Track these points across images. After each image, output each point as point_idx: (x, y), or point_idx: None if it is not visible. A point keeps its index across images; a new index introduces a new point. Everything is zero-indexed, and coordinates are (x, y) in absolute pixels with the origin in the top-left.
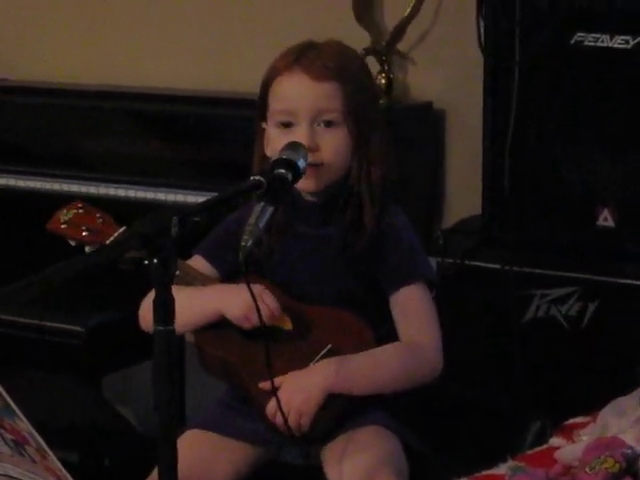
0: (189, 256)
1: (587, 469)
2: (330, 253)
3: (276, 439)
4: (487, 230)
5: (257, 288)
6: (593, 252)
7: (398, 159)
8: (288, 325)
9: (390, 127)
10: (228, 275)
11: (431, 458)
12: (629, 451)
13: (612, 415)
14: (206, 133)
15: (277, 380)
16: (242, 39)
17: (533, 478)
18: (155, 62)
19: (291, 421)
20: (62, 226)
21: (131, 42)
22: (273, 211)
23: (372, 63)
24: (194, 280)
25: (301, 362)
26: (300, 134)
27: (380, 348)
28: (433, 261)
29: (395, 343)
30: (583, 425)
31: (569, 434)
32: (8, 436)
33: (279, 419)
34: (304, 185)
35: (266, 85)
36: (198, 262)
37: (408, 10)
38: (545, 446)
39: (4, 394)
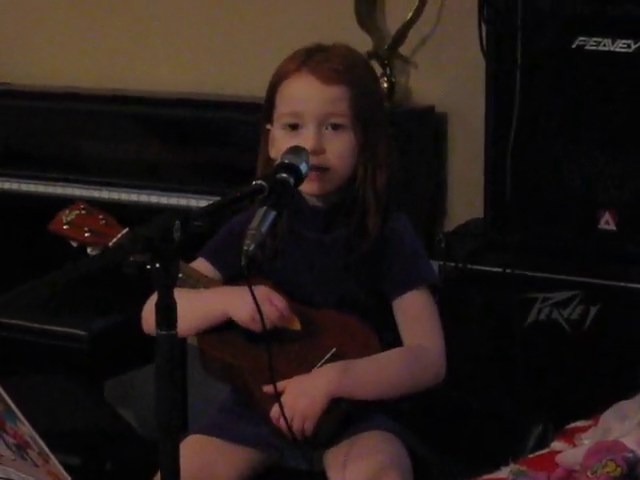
0: (193, 259)
1: (589, 473)
2: (333, 258)
3: (279, 443)
4: (489, 233)
5: (263, 290)
6: (595, 255)
7: (400, 163)
8: (296, 325)
9: (392, 131)
10: (231, 278)
11: (434, 463)
12: (630, 455)
13: (614, 419)
14: (208, 137)
15: (281, 384)
16: (244, 43)
17: None
18: (156, 66)
19: (295, 425)
20: (64, 227)
21: (132, 46)
22: (275, 215)
23: (374, 67)
24: (197, 283)
25: (305, 366)
26: (307, 137)
27: (384, 353)
28: (435, 264)
29: (399, 348)
30: (585, 429)
31: (571, 438)
32: (10, 440)
33: (283, 423)
34: (309, 189)
35: (273, 87)
36: (201, 265)
37: (410, 14)
38: (547, 450)
39: (6, 398)
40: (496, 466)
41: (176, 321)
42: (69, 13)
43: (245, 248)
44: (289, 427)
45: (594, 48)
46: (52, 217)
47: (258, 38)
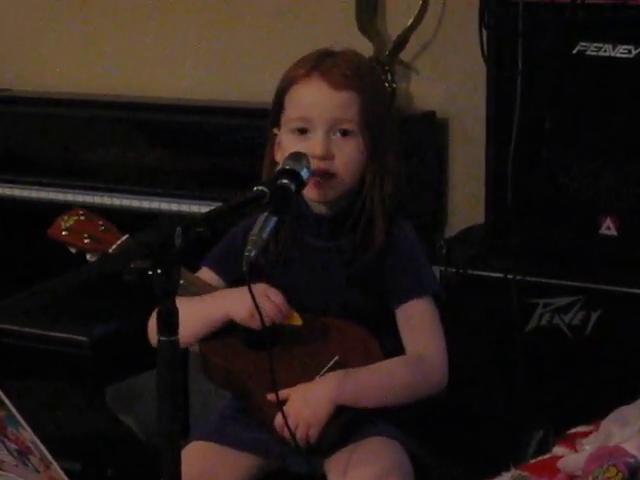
0: (195, 266)
1: (590, 478)
2: (337, 265)
3: (280, 449)
4: (490, 239)
5: (260, 286)
6: (596, 261)
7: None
8: (298, 321)
9: (399, 136)
10: (235, 285)
11: (435, 468)
12: (632, 460)
13: (615, 424)
14: (209, 142)
15: (284, 392)
16: (245, 49)
17: None
18: (156, 72)
19: (299, 433)
20: (63, 233)
21: (132, 52)
22: (277, 221)
23: None
24: (199, 290)
25: (308, 374)
26: (315, 142)
27: (386, 361)
28: (436, 270)
29: (401, 356)
30: (586, 434)
31: (572, 443)
32: (12, 445)
33: (287, 431)
34: (315, 195)
35: (282, 91)
36: (206, 274)
37: (411, 20)
38: (548, 455)
39: (8, 404)
40: (497, 471)
41: (177, 327)
42: (70, 20)
43: (246, 254)
44: (293, 435)
45: (595, 53)
46: (52, 222)
47: (259, 44)
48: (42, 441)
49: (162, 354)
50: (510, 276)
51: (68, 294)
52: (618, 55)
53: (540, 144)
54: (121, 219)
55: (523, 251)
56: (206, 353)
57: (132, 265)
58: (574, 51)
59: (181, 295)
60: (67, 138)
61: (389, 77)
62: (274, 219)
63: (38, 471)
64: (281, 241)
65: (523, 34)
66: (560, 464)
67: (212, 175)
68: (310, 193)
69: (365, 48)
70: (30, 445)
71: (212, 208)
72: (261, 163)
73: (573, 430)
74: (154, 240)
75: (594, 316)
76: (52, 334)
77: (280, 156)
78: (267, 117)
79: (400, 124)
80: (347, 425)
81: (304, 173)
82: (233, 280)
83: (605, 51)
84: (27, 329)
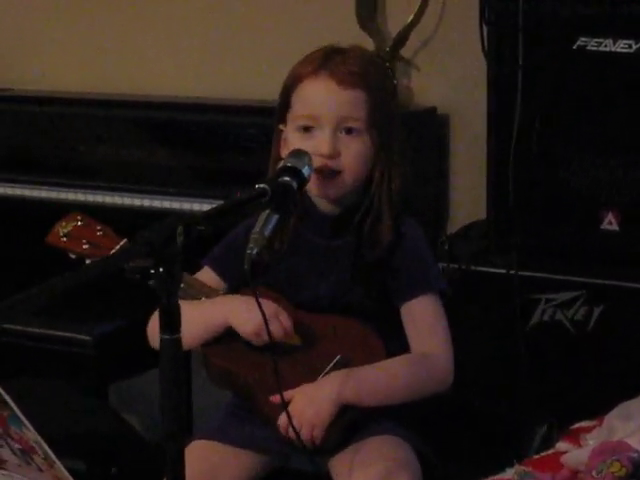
0: (197, 265)
1: (594, 473)
2: (342, 264)
3: (284, 447)
4: (492, 235)
5: (272, 306)
6: (598, 256)
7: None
8: (297, 341)
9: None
10: (237, 285)
11: (441, 466)
12: (635, 455)
13: (618, 419)
14: (210, 140)
15: (288, 393)
16: (246, 46)
17: None
18: (159, 70)
19: (304, 434)
20: (62, 239)
21: (134, 51)
22: (279, 219)
23: None
24: (199, 293)
25: (311, 373)
26: (322, 140)
27: (391, 360)
28: (439, 266)
29: (406, 355)
30: (589, 429)
31: (575, 438)
32: (15, 445)
33: (292, 432)
34: (321, 193)
35: (289, 88)
36: (206, 274)
37: (411, 16)
38: (552, 450)
39: (11, 403)
40: (501, 467)
41: (180, 325)
42: (72, 18)
43: (248, 252)
44: (298, 436)
45: (595, 49)
46: (54, 222)
47: (260, 42)
48: (45, 440)
49: (165, 352)
50: (512, 272)
51: (70, 293)
52: (619, 50)
53: (541, 139)
54: (123, 218)
55: (525, 247)
56: (207, 355)
57: (134, 263)
58: (575, 46)
59: (180, 298)
60: (69, 137)
61: (390, 73)
62: (276, 217)
63: (42, 470)
64: (286, 239)
65: (523, 29)
66: (564, 459)
67: (216, 173)
68: (316, 191)
69: (365, 45)
70: (33, 444)
71: (214, 206)
72: (263, 161)
73: (576, 425)
74: (156, 238)
75: (596, 311)
76: (55, 333)
77: (286, 153)
78: (269, 115)
79: (401, 120)
80: (351, 424)
81: (305, 170)
82: (234, 280)
83: (606, 46)
84: (30, 328)
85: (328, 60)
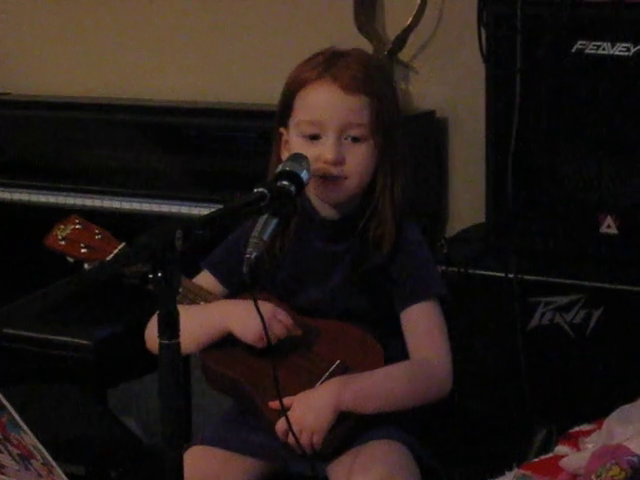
0: (196, 269)
1: (593, 477)
2: (342, 269)
3: (283, 453)
4: (491, 238)
5: (269, 307)
6: (597, 259)
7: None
8: (297, 331)
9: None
10: (236, 289)
11: (440, 470)
12: (635, 459)
13: (617, 423)
14: (208, 145)
15: (287, 400)
16: (243, 50)
17: None
18: (155, 74)
19: (303, 440)
20: (60, 243)
21: (131, 55)
22: (277, 223)
23: None
24: (196, 297)
25: (310, 379)
26: (327, 147)
27: (389, 366)
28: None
29: (405, 361)
30: (588, 433)
31: (575, 442)
32: (14, 450)
33: (290, 438)
34: (324, 197)
35: (292, 92)
36: (205, 278)
37: (409, 19)
38: (551, 454)
39: (10, 408)
40: (500, 471)
41: (179, 330)
42: (69, 22)
43: (247, 256)
44: (297, 442)
45: (593, 52)
46: (49, 229)
47: (258, 45)
48: (44, 445)
49: (163, 357)
50: (511, 275)
51: (69, 298)
52: (617, 53)
53: (540, 142)
54: (121, 222)
55: (524, 250)
56: (205, 360)
57: (133, 268)
58: (573, 49)
59: (178, 302)
60: (66, 141)
61: (392, 76)
62: (275, 221)
63: (40, 475)
64: (286, 243)
65: (522, 33)
66: (563, 463)
67: (214, 177)
68: (319, 196)
69: (364, 48)
70: (32, 449)
71: (212, 210)
72: (261, 164)
73: (576, 429)
74: (155, 243)
75: (595, 314)
76: (54, 338)
77: (287, 156)
78: (267, 118)
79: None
80: (350, 430)
81: (304, 175)
82: (234, 285)
83: (604, 49)
84: (29, 333)
85: (331, 64)
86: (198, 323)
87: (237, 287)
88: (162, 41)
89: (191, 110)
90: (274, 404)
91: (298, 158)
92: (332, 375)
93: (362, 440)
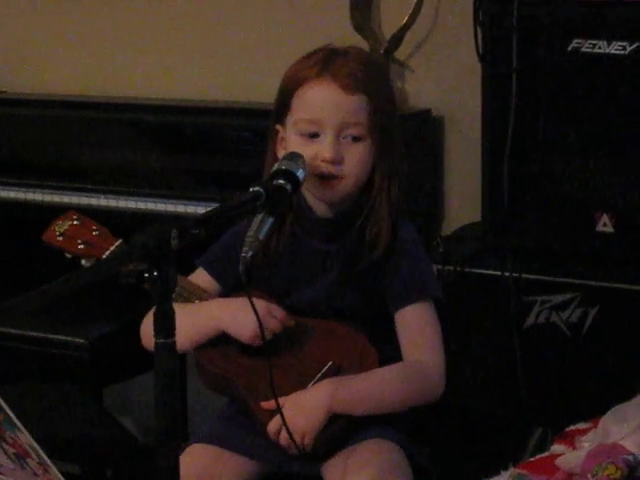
0: (192, 267)
1: (589, 476)
2: (337, 268)
3: (277, 455)
4: (487, 237)
5: (263, 304)
6: (593, 258)
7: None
8: (290, 322)
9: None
10: (232, 288)
11: (434, 469)
12: (630, 457)
13: (613, 421)
14: (204, 143)
15: (279, 400)
16: (240, 49)
17: None
18: (152, 73)
19: (294, 441)
20: (58, 238)
21: (128, 54)
22: (273, 222)
23: None
24: (191, 295)
25: (302, 380)
26: (325, 145)
27: (382, 368)
28: (433, 268)
29: (398, 363)
30: (584, 431)
31: (570, 441)
32: (10, 449)
33: (283, 439)
34: (321, 196)
35: (289, 90)
36: (201, 276)
37: (406, 18)
38: (547, 453)
39: (5, 407)
40: (496, 470)
41: (174, 329)
42: (65, 21)
43: (243, 255)
44: (288, 443)
45: (589, 50)
46: (46, 227)
47: (253, 43)
48: (40, 444)
49: (159, 356)
50: (507, 274)
51: (65, 297)
52: (613, 52)
53: (536, 141)
54: (117, 221)
55: (520, 248)
56: (200, 359)
57: (129, 267)
58: (569, 48)
59: (173, 301)
60: (64, 140)
61: (389, 74)
62: (270, 220)
63: (36, 474)
64: (281, 242)
65: (518, 31)
66: (559, 462)
67: (210, 176)
68: (316, 194)
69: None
70: (28, 448)
71: (208, 209)
72: (257, 163)
73: (571, 427)
74: (150, 242)
75: (592, 313)
76: (50, 336)
77: (283, 153)
78: (263, 117)
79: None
80: (342, 431)
81: (300, 173)
82: (230, 283)
83: (600, 48)
84: (25, 332)
85: (330, 62)
86: (192, 322)
87: (232, 285)
88: (158, 40)
89: (188, 109)
90: (266, 404)
91: (294, 157)
92: (324, 376)
93: (355, 440)
